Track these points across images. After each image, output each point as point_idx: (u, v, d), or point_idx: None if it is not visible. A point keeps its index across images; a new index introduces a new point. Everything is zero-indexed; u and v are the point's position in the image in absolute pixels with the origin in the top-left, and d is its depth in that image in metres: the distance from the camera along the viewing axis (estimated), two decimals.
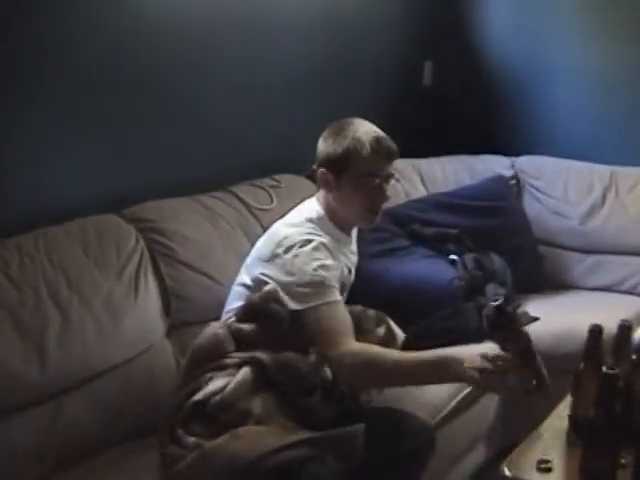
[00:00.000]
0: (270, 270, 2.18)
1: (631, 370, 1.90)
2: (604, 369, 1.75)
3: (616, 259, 3.45)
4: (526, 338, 2.00)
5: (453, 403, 2.50)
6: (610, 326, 2.02)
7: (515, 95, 3.98)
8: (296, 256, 2.15)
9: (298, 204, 2.42)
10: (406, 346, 2.45)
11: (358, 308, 2.41)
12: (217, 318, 2.34)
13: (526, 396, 2.01)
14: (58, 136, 2.46)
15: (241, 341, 2.16)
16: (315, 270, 2.12)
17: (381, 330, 2.43)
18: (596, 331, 1.96)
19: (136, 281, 2.38)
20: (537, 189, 3.63)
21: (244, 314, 2.21)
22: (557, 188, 3.59)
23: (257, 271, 2.23)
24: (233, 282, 2.37)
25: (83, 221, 2.40)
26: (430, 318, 2.81)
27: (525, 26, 3.93)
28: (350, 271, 2.43)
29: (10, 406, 2.05)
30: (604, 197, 3.51)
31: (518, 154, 3.79)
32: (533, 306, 3.11)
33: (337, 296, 2.15)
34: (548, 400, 2.05)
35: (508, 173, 3.69)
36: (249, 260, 2.33)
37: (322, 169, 2.29)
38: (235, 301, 2.30)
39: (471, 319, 2.83)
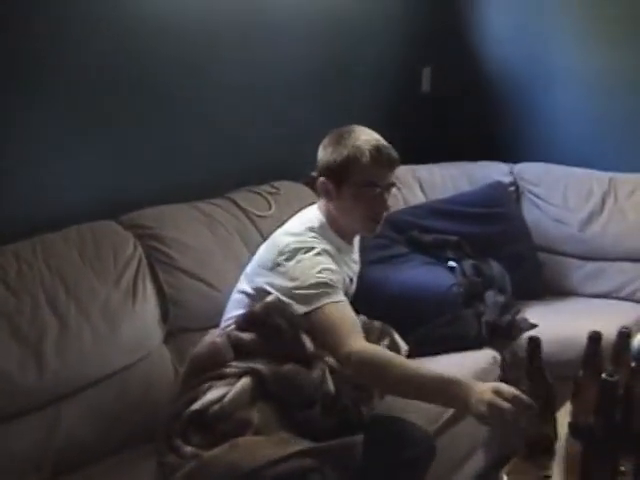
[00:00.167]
0: (273, 278, 2.17)
1: (631, 377, 1.88)
2: (604, 376, 1.74)
3: (615, 265, 3.43)
4: (550, 385, 1.94)
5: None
6: (610, 333, 2.01)
7: (514, 101, 3.97)
8: (299, 262, 2.14)
9: (297, 211, 2.41)
10: (407, 355, 2.44)
11: (363, 319, 2.38)
12: (215, 325, 2.33)
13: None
14: (58, 136, 2.48)
15: (240, 350, 2.14)
16: (319, 272, 2.12)
17: (385, 343, 2.40)
18: (595, 338, 1.94)
19: (134, 288, 2.38)
20: (536, 196, 3.62)
21: (244, 323, 2.19)
22: (556, 195, 3.58)
23: (259, 280, 2.21)
24: (231, 289, 2.36)
25: (81, 227, 2.40)
26: (429, 325, 2.80)
27: (524, 32, 3.92)
28: (352, 280, 2.43)
29: (8, 413, 2.05)
30: (603, 203, 3.50)
31: (517, 160, 3.78)
32: (532, 313, 3.09)
33: (342, 297, 2.14)
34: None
35: (507, 179, 3.68)
36: (249, 268, 2.32)
37: (322, 178, 2.28)
38: (234, 309, 2.29)
39: (470, 326, 2.83)
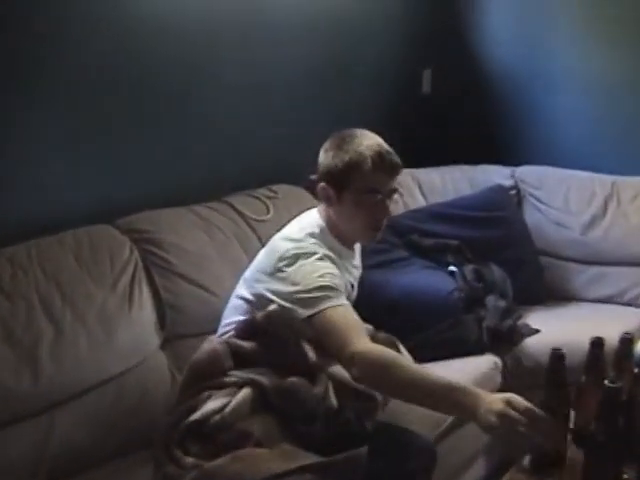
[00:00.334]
0: (273, 284, 2.13)
1: (633, 383, 1.86)
2: (606, 382, 1.73)
3: (618, 270, 3.42)
4: (569, 401, 1.90)
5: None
6: (612, 338, 2.00)
7: (514, 102, 3.98)
8: (301, 266, 2.11)
9: (295, 215, 2.38)
10: None
11: (369, 329, 2.33)
12: (213, 331, 2.30)
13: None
14: (57, 137, 2.48)
15: (240, 358, 2.11)
16: (321, 276, 2.08)
17: None
18: (598, 343, 1.94)
19: (130, 293, 2.36)
20: (537, 199, 3.61)
21: (244, 331, 2.16)
22: (558, 198, 3.57)
23: (259, 286, 2.18)
24: (229, 294, 2.33)
25: (77, 232, 2.39)
26: (429, 330, 2.79)
27: (524, 33, 3.93)
28: (353, 286, 2.40)
29: (2, 419, 2.03)
30: (605, 207, 3.49)
31: (518, 163, 3.77)
32: (534, 318, 3.09)
33: (345, 300, 2.10)
34: None
35: (508, 183, 3.67)
36: (248, 273, 2.29)
37: (323, 183, 2.24)
38: (233, 314, 2.26)
39: (471, 331, 2.82)
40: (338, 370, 2.11)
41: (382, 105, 3.86)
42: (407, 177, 3.53)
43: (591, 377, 1.93)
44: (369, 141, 2.21)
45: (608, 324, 2.58)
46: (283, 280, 2.11)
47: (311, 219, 2.29)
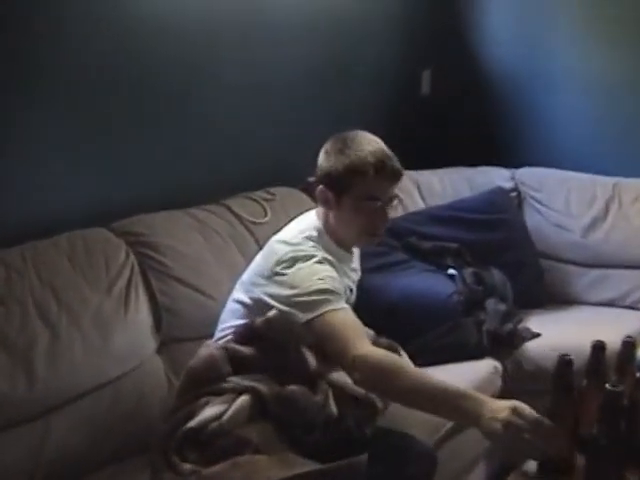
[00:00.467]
0: (271, 288, 2.12)
1: (635, 387, 1.86)
2: (608, 386, 1.72)
3: (619, 273, 3.40)
4: (577, 408, 1.87)
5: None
6: (614, 342, 1.98)
7: (514, 103, 3.97)
8: (299, 269, 2.08)
9: (293, 218, 2.37)
10: None
11: (371, 334, 2.32)
12: (210, 335, 2.29)
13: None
14: (57, 137, 2.48)
15: (239, 363, 2.10)
16: (321, 279, 2.06)
17: None
18: (599, 347, 1.92)
19: (126, 296, 2.35)
20: (538, 201, 3.60)
21: (242, 336, 2.15)
22: (558, 200, 3.56)
23: (257, 290, 2.16)
24: (226, 298, 2.32)
25: (71, 235, 2.38)
26: (428, 334, 2.78)
27: (524, 33, 3.92)
28: (351, 290, 2.38)
29: None
30: (607, 209, 3.47)
31: (518, 165, 3.76)
32: (534, 322, 3.08)
33: (344, 304, 2.08)
34: None
35: (508, 185, 3.65)
36: (245, 276, 2.27)
37: (322, 186, 2.22)
38: (230, 318, 2.24)
39: (470, 334, 2.81)
40: (338, 377, 2.10)
41: (382, 105, 3.86)
42: (406, 179, 3.43)
43: (593, 381, 1.91)
44: (371, 146, 2.18)
45: (610, 327, 2.56)
46: (281, 283, 2.09)
47: (309, 222, 2.27)
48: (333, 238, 2.24)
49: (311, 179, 2.30)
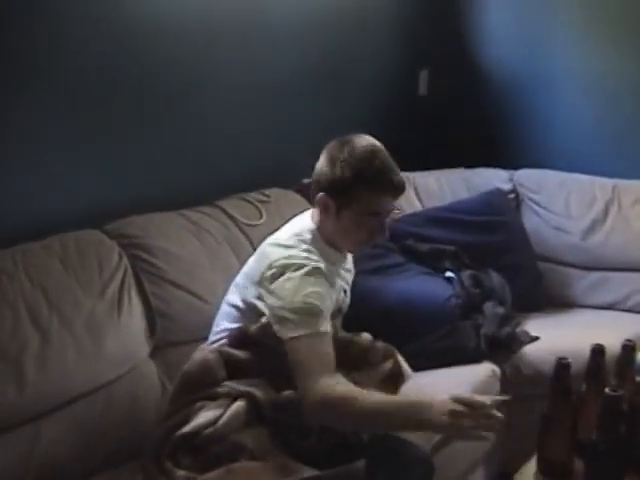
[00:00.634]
0: (261, 293, 2.10)
1: (635, 392, 1.86)
2: (607, 390, 1.72)
3: (619, 276, 3.39)
4: (575, 412, 1.89)
5: None
6: (613, 346, 1.97)
7: (513, 104, 3.97)
8: (288, 280, 2.05)
9: (288, 220, 2.34)
10: None
11: (367, 338, 2.30)
12: (204, 338, 2.27)
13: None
14: (57, 137, 2.49)
15: (233, 368, 2.08)
16: (306, 296, 2.01)
17: (387, 365, 2.30)
18: (598, 351, 1.92)
19: (119, 300, 2.33)
20: (537, 203, 3.59)
21: (237, 340, 2.13)
22: (557, 202, 3.55)
23: (249, 294, 2.14)
24: (220, 300, 2.29)
25: (63, 237, 2.36)
26: (426, 337, 2.77)
27: (523, 33, 3.92)
28: (345, 292, 2.36)
29: None
30: (606, 211, 3.46)
31: (517, 167, 3.75)
32: (533, 325, 3.07)
33: (325, 327, 2.03)
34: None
35: (507, 187, 3.65)
36: (239, 278, 2.25)
37: (323, 193, 2.16)
38: (224, 321, 2.22)
39: (468, 338, 2.80)
40: None
41: (379, 106, 3.85)
42: None
43: (592, 385, 1.91)
44: (379, 160, 2.13)
45: (609, 331, 2.54)
46: (270, 292, 2.06)
47: (303, 224, 2.24)
48: (326, 240, 2.20)
49: (306, 181, 2.26)
